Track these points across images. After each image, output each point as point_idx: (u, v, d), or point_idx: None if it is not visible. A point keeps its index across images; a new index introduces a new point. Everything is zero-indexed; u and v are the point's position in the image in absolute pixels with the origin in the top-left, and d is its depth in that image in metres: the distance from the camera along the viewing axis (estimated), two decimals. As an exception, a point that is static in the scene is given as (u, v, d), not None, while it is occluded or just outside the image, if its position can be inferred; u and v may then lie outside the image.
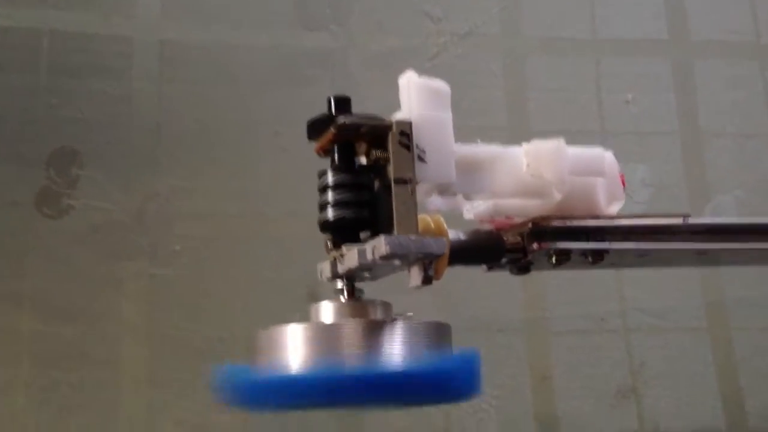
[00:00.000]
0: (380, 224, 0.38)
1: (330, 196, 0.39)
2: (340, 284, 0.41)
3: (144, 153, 0.79)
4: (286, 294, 0.77)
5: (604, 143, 0.88)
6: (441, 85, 0.39)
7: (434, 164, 0.38)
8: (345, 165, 0.40)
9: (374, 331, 0.37)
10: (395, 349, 0.37)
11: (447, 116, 0.39)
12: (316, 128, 0.41)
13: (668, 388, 0.83)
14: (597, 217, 0.41)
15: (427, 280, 0.38)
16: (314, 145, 0.42)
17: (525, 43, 0.90)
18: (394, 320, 0.37)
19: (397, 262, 0.37)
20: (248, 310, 0.77)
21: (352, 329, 0.37)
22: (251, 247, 0.79)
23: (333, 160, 0.40)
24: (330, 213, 0.39)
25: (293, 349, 0.37)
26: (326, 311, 0.40)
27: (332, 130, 0.39)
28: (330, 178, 0.39)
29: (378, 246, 0.36)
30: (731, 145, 0.92)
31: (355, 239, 0.39)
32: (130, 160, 0.79)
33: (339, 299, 0.40)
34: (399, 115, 0.39)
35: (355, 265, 0.38)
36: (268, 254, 0.79)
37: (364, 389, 0.35)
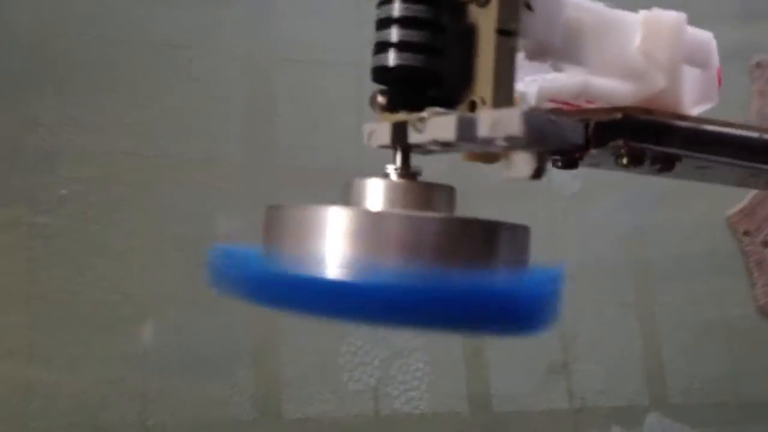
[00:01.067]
0: (453, 84, 0.28)
1: (396, 33, 0.28)
2: (398, 158, 0.30)
3: (21, 73, 0.63)
4: (194, 251, 0.65)
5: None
6: None
7: (542, 16, 0.28)
8: None
9: (451, 229, 0.27)
10: (477, 259, 0.27)
11: None
12: None
13: (597, 362, 0.80)
14: (684, 117, 0.33)
15: (538, 173, 0.27)
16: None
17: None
18: (472, 219, 0.28)
19: (523, 146, 0.27)
20: (147, 269, 0.65)
21: (426, 226, 0.27)
22: (153, 194, 0.66)
23: None
24: (394, 57, 0.28)
25: (338, 242, 0.27)
26: (379, 193, 0.29)
27: None
28: (400, 7, 0.28)
29: (504, 121, 0.26)
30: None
31: (422, 98, 0.29)
32: (3, 81, 0.63)
33: (393, 178, 0.30)
34: None
35: (449, 139, 0.27)
36: (174, 203, 0.67)
37: (433, 309, 0.26)
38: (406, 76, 0.28)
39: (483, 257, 0.27)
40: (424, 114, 0.28)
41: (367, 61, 0.77)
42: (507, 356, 0.75)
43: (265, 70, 0.71)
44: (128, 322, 0.64)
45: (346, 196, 0.30)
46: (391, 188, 0.29)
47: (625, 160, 0.32)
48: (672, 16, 0.32)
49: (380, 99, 0.29)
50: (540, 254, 0.29)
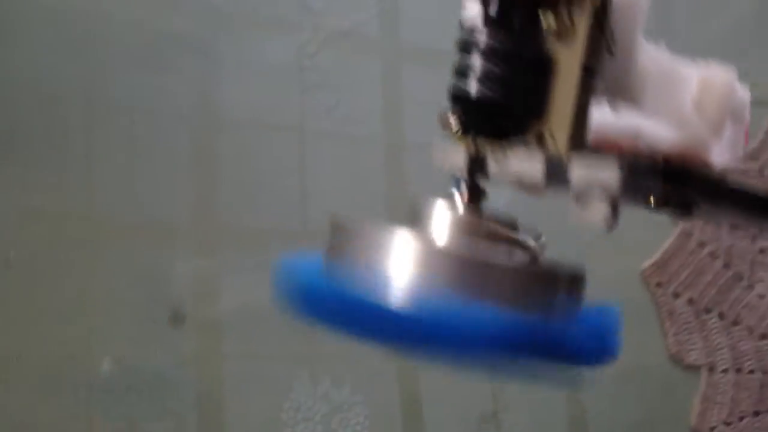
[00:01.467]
0: (520, 111, 0.29)
1: (487, 64, 0.28)
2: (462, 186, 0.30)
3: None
4: (143, 311, 0.67)
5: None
6: None
7: (619, 60, 0.29)
8: (515, 24, 0.28)
9: (519, 278, 0.28)
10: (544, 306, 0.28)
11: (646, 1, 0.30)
12: None
13: (524, 411, 0.84)
14: (715, 169, 0.35)
15: (613, 220, 0.28)
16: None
17: (403, 49, 0.86)
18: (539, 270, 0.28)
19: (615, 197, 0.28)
20: (96, 330, 0.65)
21: (497, 274, 0.27)
22: (101, 256, 0.67)
23: (505, 13, 0.29)
24: (476, 88, 0.28)
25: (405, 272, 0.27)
26: (447, 224, 0.29)
27: None
28: (494, 39, 0.28)
29: (599, 169, 0.26)
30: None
31: (493, 126, 0.29)
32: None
33: (462, 208, 0.30)
34: None
35: (535, 181, 0.28)
36: (121, 264, 0.68)
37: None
38: (484, 107, 0.29)
39: (549, 303, 0.29)
40: (507, 149, 0.29)
41: (309, 125, 0.80)
42: (442, 408, 0.79)
43: (209, 133, 0.73)
44: (78, 382, 0.64)
45: (414, 219, 0.30)
46: (460, 223, 0.29)
47: (652, 201, 0.33)
48: (727, 76, 0.33)
49: (452, 120, 0.29)
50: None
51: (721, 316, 0.99)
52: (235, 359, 0.69)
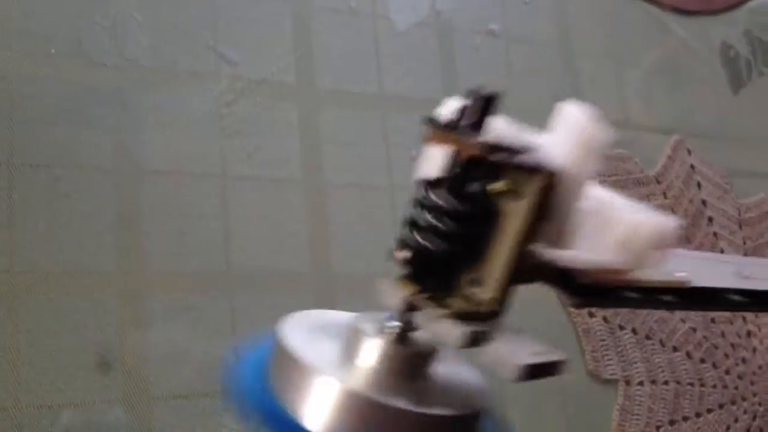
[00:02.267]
0: (462, 265, 0.32)
1: (431, 219, 0.32)
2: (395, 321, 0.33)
3: None
4: (71, 362, 0.68)
5: (392, 197, 0.92)
6: (605, 136, 0.33)
7: (557, 226, 0.32)
8: (460, 187, 0.32)
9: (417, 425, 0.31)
10: None
11: (593, 173, 0.33)
12: (442, 126, 0.33)
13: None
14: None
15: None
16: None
17: (319, 94, 0.90)
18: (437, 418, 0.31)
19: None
20: (22, 384, 0.67)
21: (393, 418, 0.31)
22: (26, 309, 0.69)
23: (453, 178, 0.32)
24: (417, 239, 0.31)
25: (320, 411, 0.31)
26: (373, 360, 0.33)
27: (474, 145, 0.31)
28: (440, 200, 0.31)
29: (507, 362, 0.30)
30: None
31: (434, 281, 0.32)
32: None
33: (392, 340, 0.33)
34: (551, 154, 0.31)
35: (452, 345, 0.31)
36: (47, 316, 0.69)
37: None
38: (426, 259, 0.32)
39: None
40: (434, 310, 0.32)
41: (230, 170, 0.84)
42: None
43: (132, 183, 0.76)
44: (1, 435, 0.65)
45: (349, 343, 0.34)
46: (385, 361, 0.33)
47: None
48: (655, 223, 0.35)
49: (398, 254, 0.32)
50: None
51: (635, 331, 1.04)
52: (165, 400, 0.71)
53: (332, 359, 0.33)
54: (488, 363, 0.32)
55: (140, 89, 0.78)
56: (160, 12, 0.81)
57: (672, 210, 1.14)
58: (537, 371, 0.31)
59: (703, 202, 1.18)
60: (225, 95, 0.83)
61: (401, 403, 0.32)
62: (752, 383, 1.13)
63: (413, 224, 0.33)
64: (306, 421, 0.32)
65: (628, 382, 1.01)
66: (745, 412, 1.11)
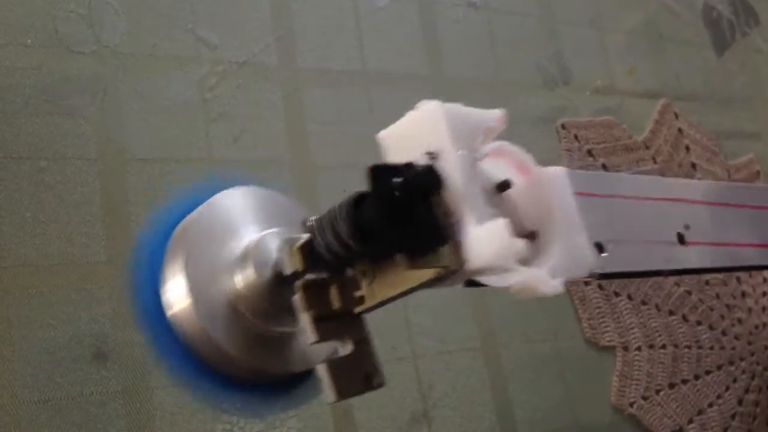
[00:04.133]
0: None
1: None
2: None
3: None
4: (64, 354, 0.68)
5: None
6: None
7: None
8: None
9: None
10: None
11: None
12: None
13: (453, 407, 0.87)
14: None
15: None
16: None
17: (302, 74, 0.89)
18: None
19: None
20: (17, 378, 0.66)
21: None
22: (16, 304, 0.68)
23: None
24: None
25: None
26: None
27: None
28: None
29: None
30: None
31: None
32: None
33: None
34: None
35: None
36: (38, 310, 0.68)
37: None
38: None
39: None
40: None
41: (216, 155, 0.83)
42: (372, 413, 0.82)
43: (118, 171, 0.75)
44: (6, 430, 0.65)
45: None
46: None
47: None
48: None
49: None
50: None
51: (630, 297, 1.05)
52: (163, 389, 0.71)
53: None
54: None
55: (120, 76, 0.77)
56: (137, -3, 0.80)
57: (662, 174, 1.14)
58: None
59: (693, 166, 1.18)
60: (207, 79, 0.82)
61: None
62: (749, 343, 1.13)
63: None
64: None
65: (626, 348, 1.02)
66: (743, 371, 1.11)
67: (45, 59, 0.74)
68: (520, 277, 0.38)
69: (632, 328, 1.03)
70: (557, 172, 0.40)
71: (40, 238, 0.70)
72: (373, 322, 0.83)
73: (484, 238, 0.36)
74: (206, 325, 0.36)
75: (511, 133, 1.04)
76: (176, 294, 0.35)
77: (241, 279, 0.39)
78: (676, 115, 1.19)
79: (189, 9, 0.83)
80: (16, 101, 0.72)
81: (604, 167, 1.08)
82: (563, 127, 1.07)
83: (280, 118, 0.86)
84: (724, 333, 1.12)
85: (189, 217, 0.35)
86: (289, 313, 0.39)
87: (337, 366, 0.37)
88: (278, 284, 0.39)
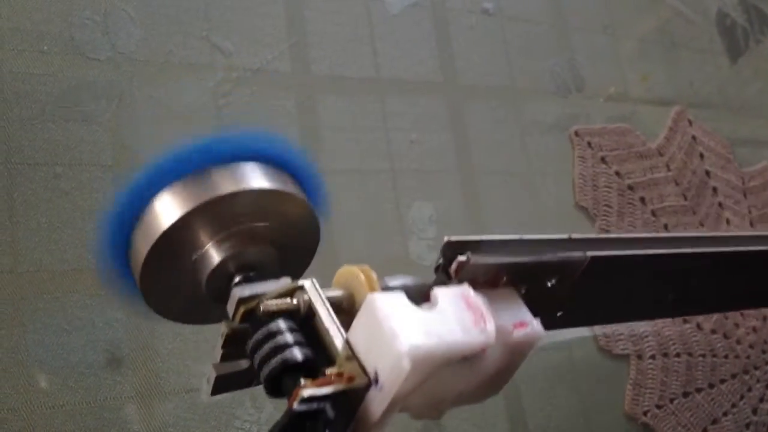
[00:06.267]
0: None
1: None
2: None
3: None
4: (78, 359, 0.68)
5: (394, 181, 0.91)
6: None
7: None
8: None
9: None
10: None
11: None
12: None
13: (466, 417, 0.87)
14: None
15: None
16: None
17: (315, 81, 0.89)
18: None
19: None
20: (33, 384, 0.66)
21: None
22: (31, 309, 0.68)
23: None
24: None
25: None
26: None
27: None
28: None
29: None
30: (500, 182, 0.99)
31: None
32: None
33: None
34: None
35: None
36: (53, 316, 0.69)
37: None
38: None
39: None
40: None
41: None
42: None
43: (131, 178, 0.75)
44: (14, 437, 0.65)
45: None
46: None
47: None
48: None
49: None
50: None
51: (644, 305, 1.04)
52: (176, 394, 0.71)
53: None
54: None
55: (135, 83, 0.78)
56: (152, 4, 0.81)
57: (675, 182, 1.13)
58: None
59: (707, 173, 1.18)
60: (221, 86, 0.82)
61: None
62: (764, 352, 1.12)
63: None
64: None
65: (639, 357, 1.01)
66: (758, 380, 1.10)
67: (61, 66, 0.74)
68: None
69: (646, 337, 1.02)
70: None
71: (55, 244, 0.70)
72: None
73: None
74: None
75: (523, 140, 1.05)
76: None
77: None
78: (690, 123, 1.19)
79: (203, 17, 0.83)
80: (32, 107, 0.72)
81: (618, 174, 1.07)
82: (576, 134, 1.06)
83: (294, 124, 0.86)
84: (738, 342, 1.11)
85: None
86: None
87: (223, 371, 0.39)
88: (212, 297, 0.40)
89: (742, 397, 1.08)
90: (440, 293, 0.36)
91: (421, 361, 0.32)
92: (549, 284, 0.42)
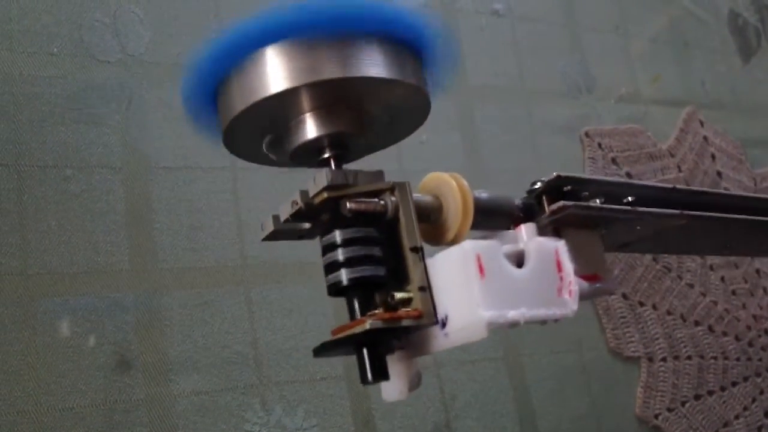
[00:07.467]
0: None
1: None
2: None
3: None
4: (90, 361, 0.68)
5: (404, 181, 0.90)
6: None
7: None
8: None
9: None
10: None
11: None
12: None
13: (476, 418, 0.87)
14: None
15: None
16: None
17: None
18: None
19: None
20: (42, 386, 0.66)
21: None
22: (41, 311, 0.68)
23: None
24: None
25: None
26: None
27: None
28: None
29: None
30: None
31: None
32: None
33: None
34: None
35: None
36: (63, 317, 0.69)
37: None
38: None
39: None
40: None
41: (240, 164, 0.83)
42: (395, 423, 0.81)
43: (142, 180, 0.75)
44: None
45: None
46: None
47: None
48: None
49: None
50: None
51: (655, 307, 1.03)
52: (186, 397, 0.71)
53: None
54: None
55: (145, 85, 0.78)
56: (161, 6, 0.81)
57: (687, 183, 1.12)
58: None
59: (719, 174, 1.17)
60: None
61: None
62: (776, 354, 1.12)
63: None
64: None
65: (650, 359, 1.00)
66: (770, 383, 1.10)
67: (70, 68, 0.74)
68: None
69: (657, 339, 1.01)
70: None
71: (65, 246, 0.70)
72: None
73: None
74: None
75: (533, 141, 1.04)
76: None
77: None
78: (702, 123, 1.18)
79: (213, 17, 0.83)
80: (42, 110, 0.72)
81: (629, 175, 1.07)
82: (587, 135, 1.06)
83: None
84: (750, 344, 1.10)
85: None
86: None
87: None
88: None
89: (754, 400, 1.07)
90: (535, 248, 0.37)
91: (496, 328, 0.33)
92: (636, 228, 0.43)
